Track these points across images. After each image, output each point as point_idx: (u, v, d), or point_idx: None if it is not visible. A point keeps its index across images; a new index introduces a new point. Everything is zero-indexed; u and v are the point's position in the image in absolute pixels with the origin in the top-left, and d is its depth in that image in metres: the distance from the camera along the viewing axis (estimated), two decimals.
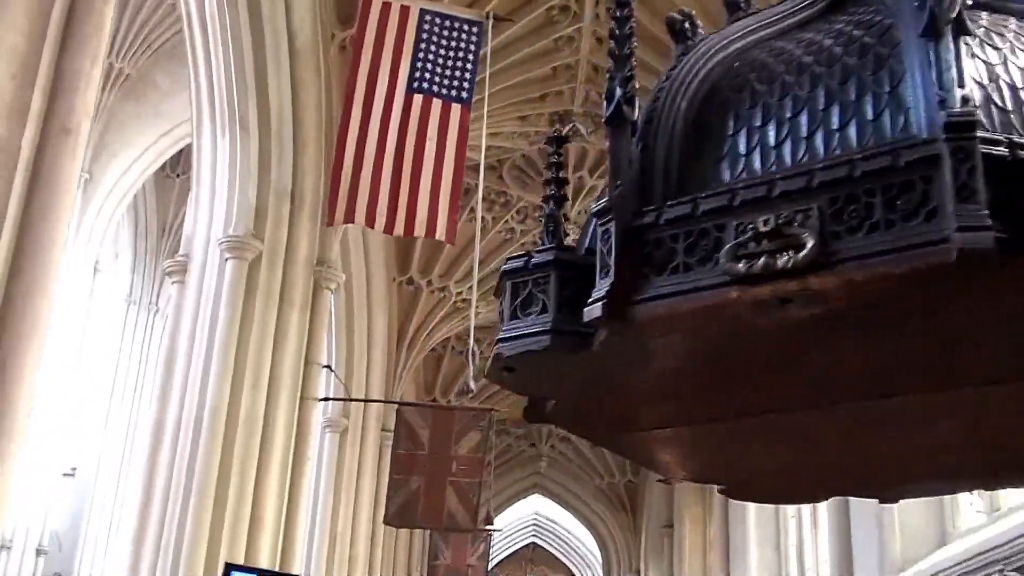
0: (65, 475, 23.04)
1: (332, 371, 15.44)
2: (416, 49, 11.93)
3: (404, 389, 22.22)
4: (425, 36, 12.01)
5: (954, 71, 2.03)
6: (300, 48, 13.49)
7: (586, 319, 2.03)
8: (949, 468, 2.49)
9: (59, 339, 18.31)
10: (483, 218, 16.34)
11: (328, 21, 14.06)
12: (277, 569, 11.98)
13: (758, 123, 2.22)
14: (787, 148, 2.17)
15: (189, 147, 19.57)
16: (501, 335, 2.19)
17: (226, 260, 12.80)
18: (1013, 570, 8.89)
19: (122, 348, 25.52)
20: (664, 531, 29.19)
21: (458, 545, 20.92)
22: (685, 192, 2.11)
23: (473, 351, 9.82)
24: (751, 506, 20.08)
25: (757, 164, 2.20)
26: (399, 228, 11.61)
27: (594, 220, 2.26)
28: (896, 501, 2.90)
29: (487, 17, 12.61)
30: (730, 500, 21.51)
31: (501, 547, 30.75)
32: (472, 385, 9.59)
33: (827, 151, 2.14)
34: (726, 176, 2.20)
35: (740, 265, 1.99)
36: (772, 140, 2.24)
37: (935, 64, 2.02)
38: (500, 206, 21.79)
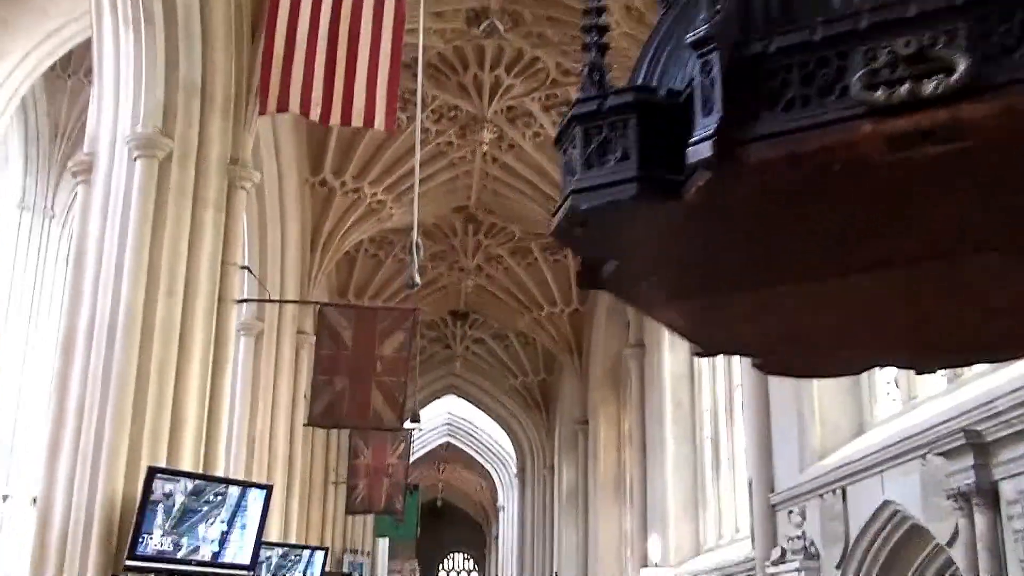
0: None
1: (250, 271, 15.13)
2: None
3: (318, 292, 21.95)
4: None
5: None
6: None
7: (690, 160, 1.84)
8: (1003, 334, 2.41)
9: None
10: (398, 118, 15.97)
11: None
12: (201, 471, 11.83)
13: None
14: None
15: (81, 45, 18.75)
16: (575, 186, 1.98)
17: (135, 159, 12.30)
18: (938, 454, 9.18)
19: (16, 255, 24.74)
20: (578, 428, 29.69)
21: (378, 445, 20.96)
22: (790, 15, 1.92)
23: (418, 244, 9.61)
24: (667, 401, 20.48)
25: None
26: (335, 117, 11.21)
27: (683, 55, 1.99)
28: (933, 371, 2.83)
29: None
30: (645, 396, 21.90)
31: (415, 447, 30.96)
32: (417, 279, 9.39)
33: None
34: None
35: (878, 94, 1.79)
36: None
37: None
38: (413, 105, 21.38)
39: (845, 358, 2.44)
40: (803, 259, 2.03)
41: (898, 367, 2.75)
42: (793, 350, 2.34)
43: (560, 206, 2.04)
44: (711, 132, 1.88)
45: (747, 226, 1.95)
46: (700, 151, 1.81)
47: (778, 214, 1.91)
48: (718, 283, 2.11)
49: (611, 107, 2.09)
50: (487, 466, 48.50)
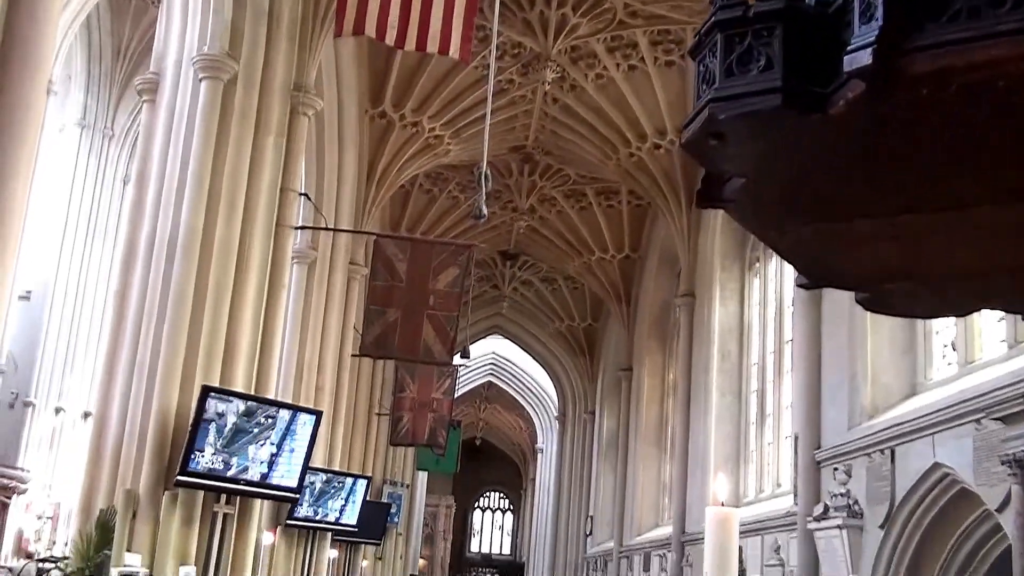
0: (20, 298, 22.84)
1: (309, 199, 15.20)
2: None
3: (371, 225, 22.02)
4: None
5: None
6: None
7: (846, 68, 1.79)
8: None
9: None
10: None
11: None
12: (253, 393, 12.01)
13: None
14: None
15: None
16: (714, 95, 1.93)
17: (200, 80, 12.38)
18: (995, 419, 9.08)
19: (76, 172, 25.03)
20: (622, 375, 29.68)
21: (424, 379, 21.14)
22: None
23: (486, 175, 9.57)
24: (715, 353, 20.41)
25: None
26: (411, 42, 11.13)
27: None
28: None
29: None
30: (693, 347, 21.83)
31: (458, 386, 31.20)
32: (484, 210, 9.37)
33: None
34: None
35: None
36: None
37: None
38: (478, 40, 21.23)
39: (954, 297, 2.40)
40: (941, 186, 1.98)
41: (1007, 311, 2.68)
42: (904, 284, 2.29)
43: (694, 116, 1.99)
44: (872, 39, 1.80)
45: (888, 147, 1.89)
46: (858, 59, 1.74)
47: (922, 136, 1.85)
48: (847, 205, 2.06)
49: (757, 14, 2.00)
50: (528, 408, 48.74)
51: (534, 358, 39.31)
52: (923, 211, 2.04)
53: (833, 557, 12.40)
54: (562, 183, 27.46)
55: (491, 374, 47.28)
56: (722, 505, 3.37)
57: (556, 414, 41.73)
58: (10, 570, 20.66)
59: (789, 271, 17.34)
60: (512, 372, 46.89)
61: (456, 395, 26.13)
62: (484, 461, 59.04)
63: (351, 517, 18.86)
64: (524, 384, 47.29)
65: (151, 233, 12.15)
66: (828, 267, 2.38)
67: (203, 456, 11.11)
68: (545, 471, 46.39)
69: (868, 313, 12.23)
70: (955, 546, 11.00)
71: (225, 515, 11.77)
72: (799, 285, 2.67)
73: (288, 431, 12.04)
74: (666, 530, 23.01)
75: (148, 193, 12.53)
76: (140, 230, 12.43)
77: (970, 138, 1.84)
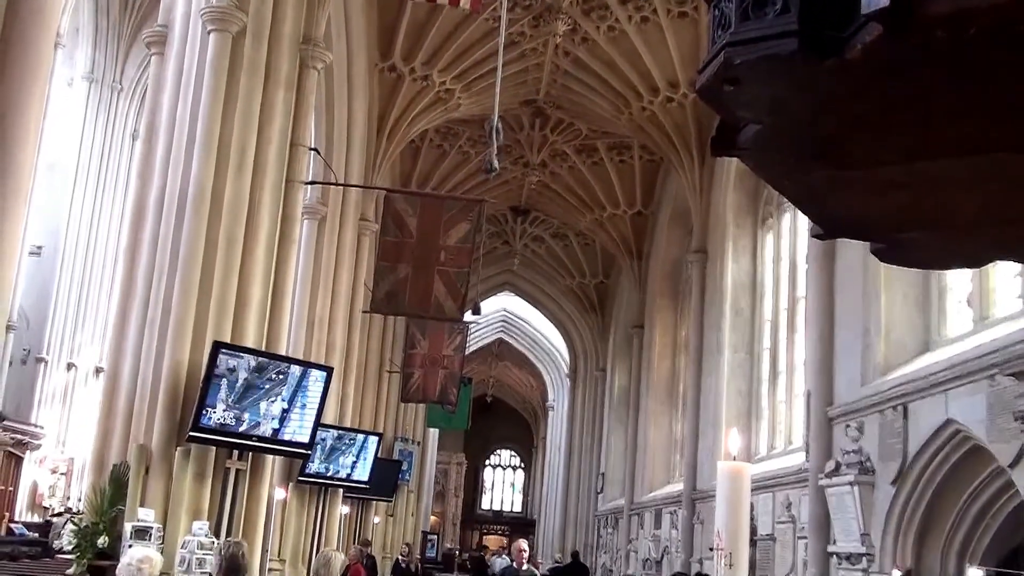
0: (31, 254, 22.95)
1: (319, 154, 15.18)
2: None
3: (381, 181, 21.99)
4: None
5: None
6: None
7: (864, 10, 1.78)
8: None
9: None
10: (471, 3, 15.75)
11: None
12: (264, 349, 12.08)
13: None
14: None
15: None
16: (730, 39, 1.92)
17: (209, 32, 12.32)
18: (1008, 375, 9.09)
19: (85, 127, 25.02)
20: (633, 332, 29.73)
21: (435, 335, 21.19)
22: None
23: (497, 128, 9.55)
24: (727, 310, 20.43)
25: None
26: None
27: None
28: None
29: None
30: (705, 304, 21.83)
31: (468, 343, 31.29)
32: (495, 164, 9.36)
33: None
34: None
35: None
36: None
37: None
38: None
39: (971, 248, 2.40)
40: (957, 132, 1.97)
41: None
42: (919, 234, 2.29)
43: (709, 61, 1.98)
44: None
45: (904, 91, 1.89)
46: (875, 1, 1.73)
47: (939, 80, 1.85)
48: (862, 151, 2.06)
49: None
50: (538, 365, 48.95)
51: (545, 315, 39.41)
52: (938, 158, 2.03)
53: (844, 514, 12.48)
54: (573, 138, 27.37)
55: (502, 331, 47.43)
56: (734, 459, 3.40)
57: (567, 371, 41.88)
58: (48, 523, 20.95)
59: (803, 227, 17.30)
60: (523, 329, 47.03)
61: (467, 352, 26.24)
62: (495, 418, 59.39)
63: (362, 474, 19.02)
64: (535, 341, 47.43)
65: (161, 189, 12.17)
66: (842, 216, 2.38)
67: (215, 412, 11.20)
68: (556, 428, 46.66)
69: (882, 268, 12.23)
70: (967, 503, 11.06)
71: (237, 471, 11.89)
72: (814, 235, 2.67)
73: (299, 387, 12.12)
74: (677, 487, 23.16)
75: (157, 148, 12.54)
76: (150, 186, 12.45)
77: (987, 82, 1.84)
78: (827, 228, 2.51)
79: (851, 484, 12.34)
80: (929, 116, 1.96)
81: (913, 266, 3.02)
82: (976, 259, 2.65)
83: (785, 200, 18.66)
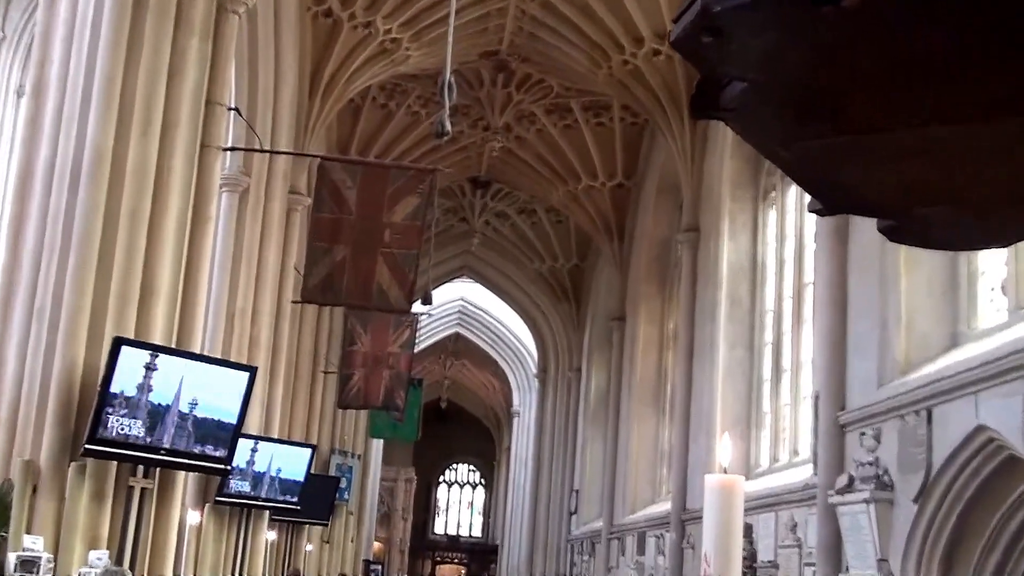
0: None
1: (240, 114, 15.10)
2: None
3: (315, 146, 21.90)
4: None
5: None
6: None
7: None
8: None
9: None
10: None
11: None
12: (174, 346, 12.01)
13: None
14: None
15: None
16: None
17: None
18: None
19: None
20: (614, 324, 29.85)
21: (378, 329, 21.15)
22: None
23: (450, 84, 9.53)
24: (723, 298, 20.54)
25: None
26: None
27: None
28: None
29: None
30: (697, 291, 21.94)
31: (419, 337, 31.28)
32: (447, 126, 9.33)
33: None
34: None
35: None
36: None
37: None
38: None
39: (998, 225, 2.39)
40: (977, 90, 1.96)
41: None
42: (939, 209, 2.28)
43: (686, 8, 1.96)
44: None
45: (912, 43, 1.87)
46: None
47: (949, 29, 1.83)
48: (866, 113, 2.04)
49: None
50: (502, 364, 49.02)
51: (510, 305, 39.48)
52: (956, 120, 2.02)
53: (858, 535, 12.59)
54: (543, 96, 27.37)
55: (459, 324, 47.45)
56: (724, 472, 3.40)
57: (535, 371, 41.98)
58: None
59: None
60: (483, 322, 47.07)
61: (417, 349, 26.25)
62: (450, 427, 59.47)
63: (293, 493, 18.97)
64: (498, 336, 47.50)
65: (51, 154, 12.02)
66: (845, 189, 2.36)
67: (116, 421, 11.12)
68: (522, 438, 46.78)
69: (902, 250, 12.31)
70: (1001, 522, 11.17)
71: (143, 490, 11.82)
72: (812, 211, 2.66)
73: (217, 391, 12.06)
74: (664, 506, 23.29)
75: (47, 107, 12.38)
76: (38, 151, 12.29)
77: (1006, 32, 1.83)
78: (827, 203, 2.49)
79: (866, 501, 12.45)
80: (946, 73, 1.95)
81: (930, 247, 3.01)
82: (1004, 238, 2.64)
83: None
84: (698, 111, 2.19)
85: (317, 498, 22.67)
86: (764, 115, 2.21)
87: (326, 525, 26.76)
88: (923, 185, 2.28)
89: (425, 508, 63.45)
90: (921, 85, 2.01)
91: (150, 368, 11.30)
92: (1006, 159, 2.16)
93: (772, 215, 20.16)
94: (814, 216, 16.96)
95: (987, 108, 2.02)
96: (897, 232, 2.50)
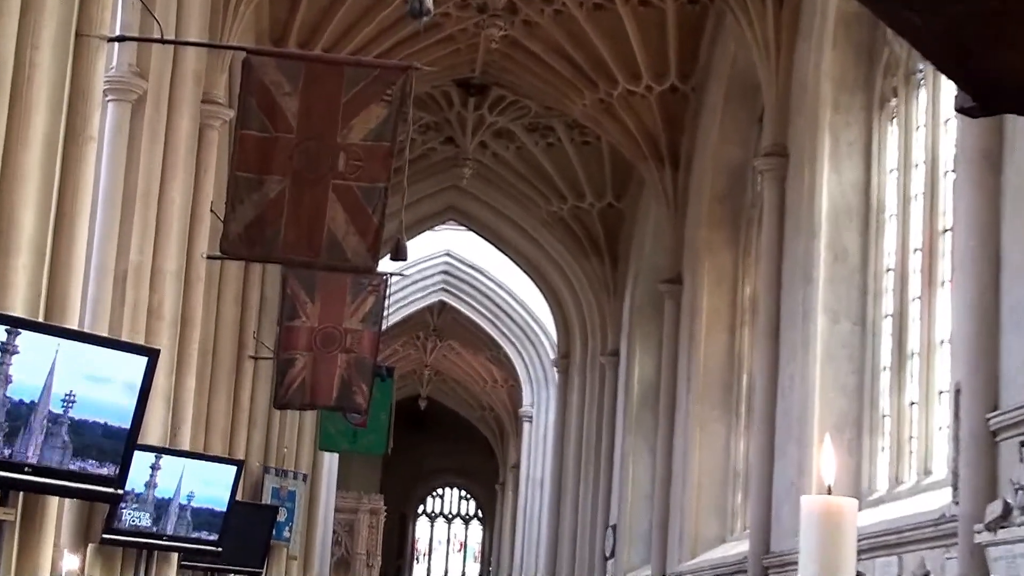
0: None
1: None
2: None
3: (240, 36, 21.84)
4: None
5: None
6: None
7: None
8: None
9: None
10: None
11: None
12: (41, 320, 12.01)
13: None
14: None
15: None
16: None
17: None
18: None
19: None
20: (665, 289, 29.85)
21: (331, 297, 20.96)
22: None
23: None
24: (821, 251, 20.46)
25: None
26: None
27: None
28: None
29: None
30: (784, 241, 21.90)
31: (391, 306, 31.23)
32: (430, 3, 9.22)
33: None
34: None
35: None
36: None
37: None
38: None
39: None
40: None
41: None
42: None
43: None
44: None
45: None
46: None
47: None
48: None
49: None
50: (506, 346, 49.10)
51: (515, 262, 39.49)
52: None
53: None
54: None
55: (444, 289, 47.46)
56: (829, 491, 3.38)
57: (553, 357, 42.07)
58: None
59: (949, 107, 17.25)
60: (479, 286, 47.10)
61: (387, 325, 26.16)
62: (433, 436, 59.73)
63: (211, 529, 19.00)
64: (499, 306, 47.54)
65: None
66: (1005, 74, 2.31)
67: None
68: (536, 452, 46.96)
69: None
70: None
71: (2, 523, 11.84)
72: (959, 110, 2.63)
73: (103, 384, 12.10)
74: (739, 547, 23.38)
75: None
76: None
77: None
78: (981, 97, 2.46)
79: None
80: None
81: None
82: None
83: (919, 63, 18.63)
84: None
85: (245, 536, 22.74)
86: None
87: (259, 572, 26.85)
88: None
89: (398, 551, 63.79)
90: None
91: (6, 350, 11.30)
92: None
93: (892, 132, 20.09)
94: (954, 135, 16.88)
95: None
96: None
